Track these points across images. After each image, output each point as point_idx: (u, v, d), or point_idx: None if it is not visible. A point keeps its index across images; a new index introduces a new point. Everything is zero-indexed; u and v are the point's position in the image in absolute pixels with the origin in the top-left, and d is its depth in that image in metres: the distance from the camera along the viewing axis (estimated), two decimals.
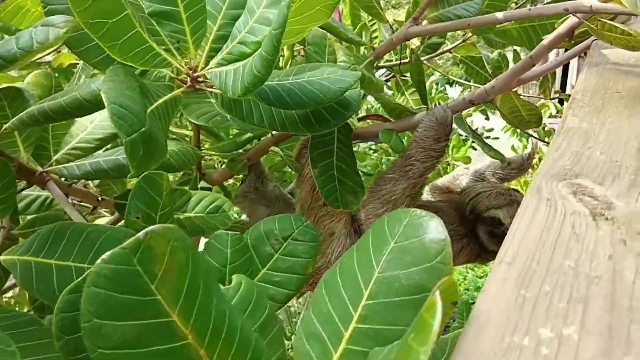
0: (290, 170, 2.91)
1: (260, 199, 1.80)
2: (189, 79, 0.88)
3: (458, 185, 1.72)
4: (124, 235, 0.66)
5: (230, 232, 0.67)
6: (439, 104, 1.40)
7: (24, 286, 0.63)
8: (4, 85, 1.04)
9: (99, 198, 1.17)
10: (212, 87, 0.96)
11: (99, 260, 0.39)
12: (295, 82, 0.90)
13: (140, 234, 0.40)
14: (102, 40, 0.69)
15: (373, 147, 4.43)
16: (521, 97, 1.47)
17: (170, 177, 2.27)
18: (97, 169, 0.91)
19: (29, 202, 1.12)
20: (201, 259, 0.43)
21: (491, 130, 4.73)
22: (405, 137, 2.06)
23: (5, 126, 0.84)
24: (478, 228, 1.48)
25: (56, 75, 1.83)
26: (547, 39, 1.34)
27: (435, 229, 0.50)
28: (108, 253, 0.40)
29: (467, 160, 3.67)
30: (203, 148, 1.92)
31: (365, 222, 1.40)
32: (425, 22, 1.41)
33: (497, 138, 4.47)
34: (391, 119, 1.98)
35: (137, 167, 0.59)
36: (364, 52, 1.62)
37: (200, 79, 0.89)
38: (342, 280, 0.54)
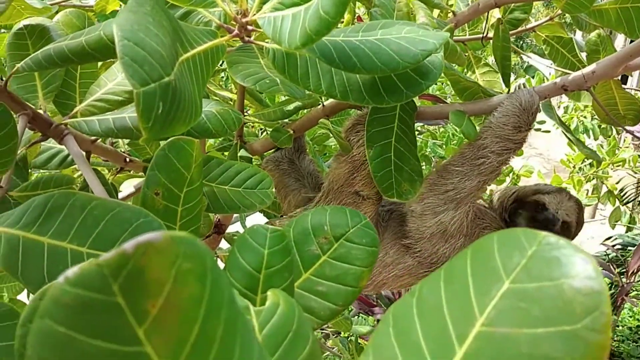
0: (331, 145, 2.74)
1: (292, 172, 1.66)
2: (236, 26, 0.72)
3: None
4: (134, 215, 0.51)
5: (270, 227, 0.51)
6: (524, 85, 1.19)
7: (7, 268, 0.50)
8: (29, 21, 0.91)
9: (127, 159, 1.04)
10: (263, 40, 0.80)
11: (60, 279, 0.24)
12: (366, 40, 0.72)
13: (129, 244, 0.24)
14: None
15: (419, 128, 4.16)
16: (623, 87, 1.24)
17: (210, 141, 2.14)
18: (122, 126, 0.77)
19: (50, 156, 1.01)
20: (225, 288, 0.27)
21: (543, 122, 4.36)
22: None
23: (17, 66, 0.70)
24: (518, 217, 1.35)
25: (98, 21, 1.71)
26: None
27: (583, 271, 0.32)
28: (75, 269, 0.25)
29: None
30: (246, 114, 1.77)
31: (421, 217, 1.22)
32: None
33: (548, 131, 4.04)
34: (444, 100, 1.77)
35: (151, 129, 0.43)
36: (437, 17, 1.41)
37: (250, 27, 0.73)
38: (420, 322, 0.38)
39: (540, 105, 1.18)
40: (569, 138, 1.17)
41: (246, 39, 0.79)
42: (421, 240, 1.22)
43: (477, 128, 1.21)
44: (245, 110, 1.76)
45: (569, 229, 1.32)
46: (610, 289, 5.14)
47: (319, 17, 0.54)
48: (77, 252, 0.51)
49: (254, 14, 0.72)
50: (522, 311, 0.33)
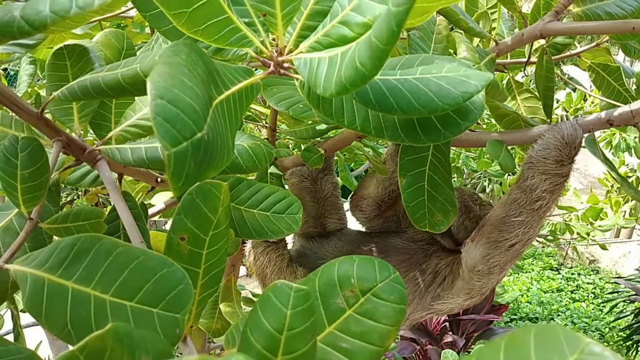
0: (361, 153, 2.72)
1: (312, 192, 1.66)
2: (272, 64, 0.71)
3: None
4: (158, 264, 0.50)
5: (294, 285, 0.50)
6: (567, 117, 1.14)
7: (31, 309, 0.50)
8: (70, 41, 0.92)
9: (158, 179, 1.04)
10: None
11: None
12: (404, 80, 0.69)
13: None
14: (166, 5, 0.53)
15: None
16: None
17: None
18: (153, 157, 0.76)
19: (82, 174, 1.02)
20: None
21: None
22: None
23: (53, 95, 0.71)
24: None
25: (138, 30, 1.74)
26: None
27: None
28: None
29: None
30: (279, 129, 1.77)
31: (489, 275, 1.19)
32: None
33: (583, 146, 3.92)
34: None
35: (182, 187, 0.42)
36: (478, 45, 1.37)
37: (286, 64, 0.71)
38: None
39: (584, 139, 1.12)
40: (614, 177, 1.11)
41: (282, 72, 0.78)
42: (480, 295, 1.23)
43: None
44: (278, 126, 1.76)
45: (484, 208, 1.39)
46: None
47: (354, 67, 0.52)
48: (100, 299, 0.50)
49: (290, 51, 0.70)
50: None
